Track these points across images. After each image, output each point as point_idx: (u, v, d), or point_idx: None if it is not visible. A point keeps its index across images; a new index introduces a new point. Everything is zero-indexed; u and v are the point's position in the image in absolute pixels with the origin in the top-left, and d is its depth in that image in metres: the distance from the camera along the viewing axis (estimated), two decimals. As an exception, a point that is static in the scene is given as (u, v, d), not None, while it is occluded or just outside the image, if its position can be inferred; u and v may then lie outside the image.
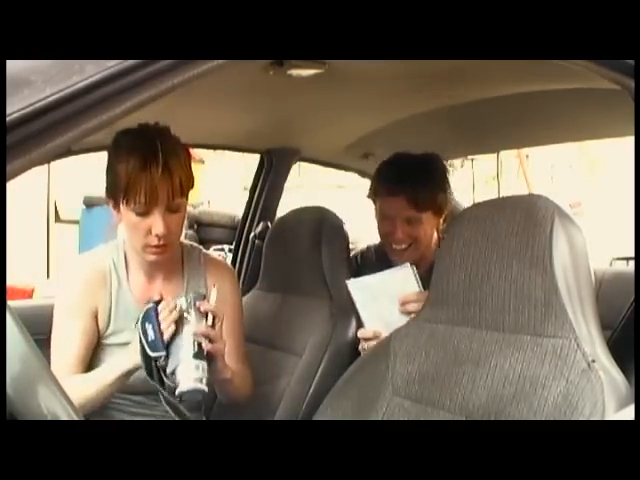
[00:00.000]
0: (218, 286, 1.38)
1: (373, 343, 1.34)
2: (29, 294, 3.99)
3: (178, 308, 1.18)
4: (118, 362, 1.25)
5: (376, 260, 1.74)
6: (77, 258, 1.49)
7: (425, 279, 1.55)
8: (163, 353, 1.15)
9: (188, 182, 1.27)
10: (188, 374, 1.13)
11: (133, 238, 1.29)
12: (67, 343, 1.32)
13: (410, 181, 1.49)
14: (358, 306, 1.40)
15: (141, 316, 1.18)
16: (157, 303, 1.19)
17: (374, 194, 1.60)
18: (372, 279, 1.40)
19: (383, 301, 1.37)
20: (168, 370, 1.15)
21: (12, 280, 3.73)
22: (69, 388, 1.20)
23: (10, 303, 0.66)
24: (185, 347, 1.15)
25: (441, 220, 1.58)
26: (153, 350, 1.15)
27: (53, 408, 0.64)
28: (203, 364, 1.15)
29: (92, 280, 1.35)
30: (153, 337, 1.15)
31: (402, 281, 1.33)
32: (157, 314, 1.17)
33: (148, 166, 1.21)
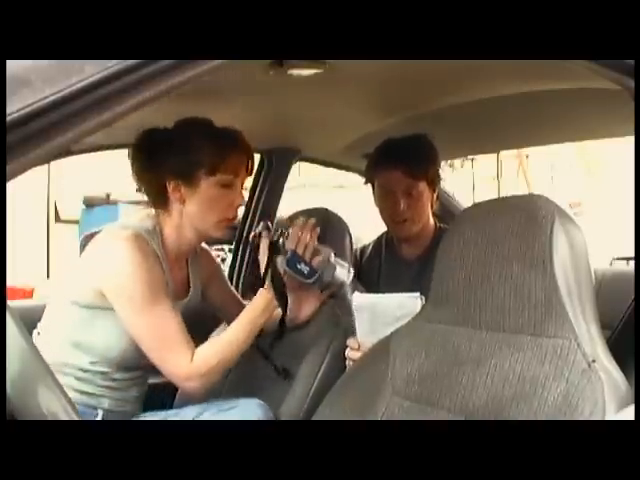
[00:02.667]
0: (208, 267, 1.51)
1: (357, 354, 1.38)
2: (29, 294, 4.00)
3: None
4: (252, 307, 1.33)
5: (385, 248, 1.86)
6: (123, 241, 1.26)
7: (422, 259, 1.71)
8: (309, 276, 1.32)
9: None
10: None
11: (211, 214, 1.33)
12: (169, 323, 1.26)
13: (404, 154, 1.67)
14: (356, 321, 1.41)
15: (287, 260, 1.32)
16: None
17: (372, 175, 1.76)
18: (378, 299, 1.43)
19: (381, 321, 1.36)
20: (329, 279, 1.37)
21: (12, 280, 3.73)
22: (214, 352, 1.28)
23: (10, 303, 0.66)
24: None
25: (434, 196, 1.74)
26: (308, 276, 1.33)
27: (53, 408, 0.64)
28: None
29: (151, 257, 1.29)
30: (307, 269, 1.32)
31: (408, 308, 1.29)
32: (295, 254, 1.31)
33: (241, 140, 1.35)
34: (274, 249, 1.33)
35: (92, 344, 1.30)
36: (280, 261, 1.32)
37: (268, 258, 1.33)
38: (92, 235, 1.34)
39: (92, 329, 1.30)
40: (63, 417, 0.64)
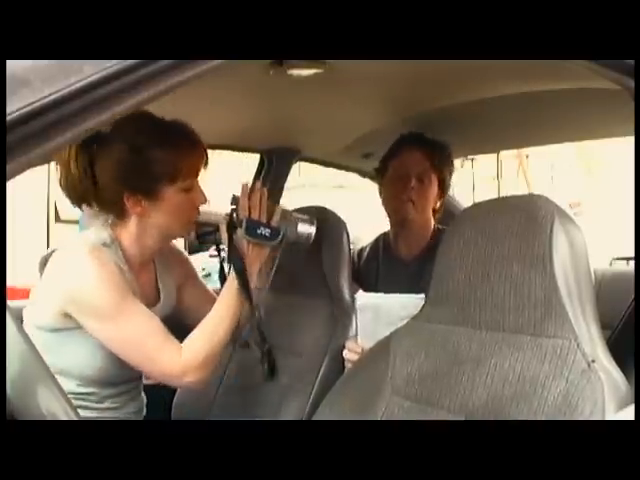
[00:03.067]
0: (180, 268, 1.46)
1: (356, 357, 1.39)
2: (29, 294, 3.99)
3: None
4: (227, 289, 1.30)
5: (383, 249, 1.85)
6: (80, 256, 1.22)
7: (420, 260, 1.72)
8: (273, 238, 1.29)
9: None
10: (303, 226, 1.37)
11: (175, 219, 1.30)
12: (147, 327, 1.22)
13: (427, 141, 1.75)
14: (358, 320, 1.41)
15: (245, 229, 1.27)
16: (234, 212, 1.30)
17: (390, 157, 1.78)
18: (382, 299, 1.42)
19: (384, 321, 1.36)
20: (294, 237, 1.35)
21: (12, 280, 3.72)
22: (201, 343, 1.23)
23: (10, 303, 0.66)
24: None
25: (439, 202, 1.77)
26: (271, 238, 1.29)
27: (52, 408, 0.64)
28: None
29: (111, 268, 1.24)
30: (268, 231, 1.28)
31: (412, 309, 1.27)
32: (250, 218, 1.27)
33: (194, 138, 1.29)
34: (231, 226, 1.29)
35: (68, 368, 1.25)
36: (240, 234, 1.28)
37: (228, 237, 1.30)
38: (49, 256, 1.27)
39: (63, 353, 1.24)
40: (63, 417, 0.64)
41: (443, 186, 1.76)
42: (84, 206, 1.31)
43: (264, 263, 1.34)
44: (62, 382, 1.24)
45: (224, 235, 1.31)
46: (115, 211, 1.29)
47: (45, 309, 1.24)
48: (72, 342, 1.25)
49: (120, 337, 1.21)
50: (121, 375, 1.30)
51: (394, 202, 1.75)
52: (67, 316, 1.22)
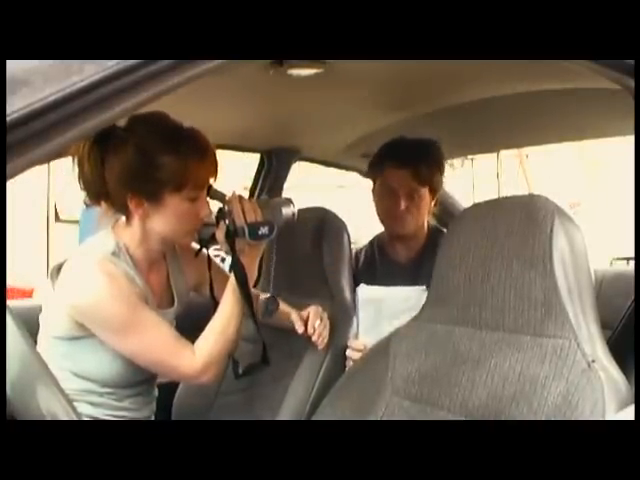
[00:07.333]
0: (194, 268, 1.46)
1: (358, 355, 1.39)
2: (29, 294, 4.00)
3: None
4: (231, 290, 1.30)
5: (378, 252, 1.83)
6: (89, 271, 1.24)
7: (416, 261, 1.72)
8: (271, 233, 1.30)
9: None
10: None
11: (177, 227, 1.29)
12: (159, 333, 1.25)
13: (415, 157, 1.67)
14: (360, 314, 1.41)
15: (249, 235, 1.28)
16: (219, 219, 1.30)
17: (377, 171, 1.73)
18: (384, 291, 1.42)
19: (386, 315, 1.36)
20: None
21: (12, 280, 3.73)
22: (213, 342, 1.26)
23: (10, 303, 0.66)
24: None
25: (432, 203, 1.73)
26: (270, 233, 1.30)
27: (52, 408, 0.64)
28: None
29: (120, 279, 1.25)
30: (267, 228, 1.29)
31: (414, 301, 1.29)
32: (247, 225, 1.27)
33: (206, 149, 1.28)
34: (231, 234, 1.29)
35: (88, 374, 1.28)
36: (243, 241, 1.29)
37: (232, 249, 1.30)
38: (60, 266, 1.28)
39: (82, 360, 1.27)
40: (63, 417, 0.64)
41: (435, 192, 1.72)
42: (102, 204, 1.32)
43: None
44: (83, 384, 1.27)
45: (222, 244, 1.31)
46: (122, 211, 1.30)
47: (60, 320, 1.26)
48: (90, 350, 1.27)
49: (134, 348, 1.25)
50: (140, 376, 1.33)
51: (386, 220, 1.74)
52: (82, 325, 1.24)
